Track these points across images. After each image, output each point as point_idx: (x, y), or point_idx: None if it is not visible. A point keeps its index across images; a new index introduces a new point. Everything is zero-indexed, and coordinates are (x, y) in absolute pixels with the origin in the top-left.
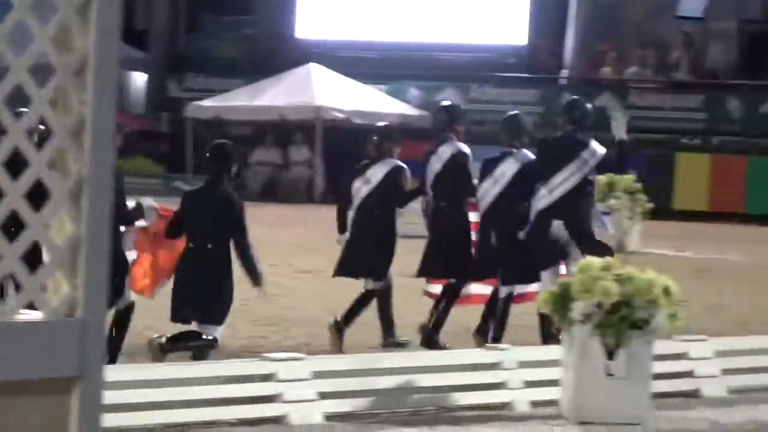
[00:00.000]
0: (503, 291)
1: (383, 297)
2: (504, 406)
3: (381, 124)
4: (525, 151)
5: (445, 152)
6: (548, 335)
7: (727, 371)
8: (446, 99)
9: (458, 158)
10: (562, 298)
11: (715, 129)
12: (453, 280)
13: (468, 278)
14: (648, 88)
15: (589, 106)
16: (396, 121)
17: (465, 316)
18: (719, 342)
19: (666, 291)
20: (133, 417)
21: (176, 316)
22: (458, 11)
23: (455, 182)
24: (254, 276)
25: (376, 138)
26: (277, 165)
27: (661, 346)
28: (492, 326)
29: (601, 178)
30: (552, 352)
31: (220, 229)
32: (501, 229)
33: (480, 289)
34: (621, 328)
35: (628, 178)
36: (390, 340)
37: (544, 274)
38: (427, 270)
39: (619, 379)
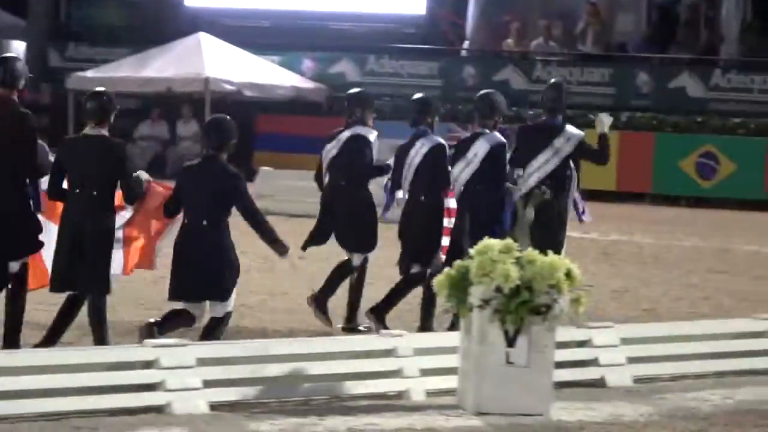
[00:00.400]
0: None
1: (359, 277)
2: (399, 395)
3: (354, 90)
4: (496, 133)
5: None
6: None
7: (633, 359)
8: (342, 70)
9: (437, 151)
10: (460, 282)
11: (623, 104)
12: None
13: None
14: (553, 61)
15: (565, 86)
16: (289, 94)
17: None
18: (625, 329)
19: (569, 275)
20: (5, 406)
21: (176, 294)
22: None
23: (434, 175)
24: (277, 246)
25: (347, 104)
26: (164, 140)
27: (563, 333)
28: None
29: None
30: (450, 338)
31: (221, 205)
32: (474, 212)
33: None
34: (521, 314)
35: None
36: (351, 325)
37: None
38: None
39: (520, 368)
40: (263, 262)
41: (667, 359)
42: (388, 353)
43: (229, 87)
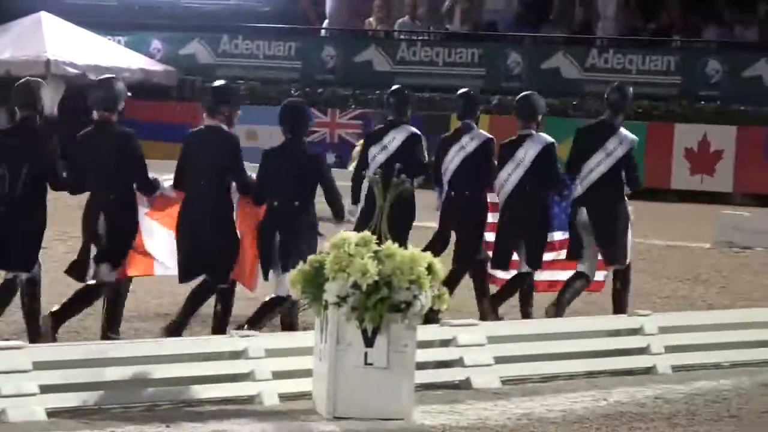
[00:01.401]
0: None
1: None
2: (250, 399)
3: (395, 88)
4: (543, 133)
5: (470, 143)
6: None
7: (500, 359)
8: (192, 52)
9: (487, 147)
10: (315, 278)
11: (493, 87)
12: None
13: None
14: (418, 41)
15: (630, 90)
16: (136, 77)
17: None
18: (491, 327)
19: (430, 269)
20: None
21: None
22: None
23: (478, 170)
24: (339, 209)
25: (392, 100)
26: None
27: (425, 332)
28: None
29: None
30: (304, 339)
31: (308, 186)
32: (527, 213)
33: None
34: (380, 312)
35: None
36: None
37: (582, 261)
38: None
39: (379, 369)
40: None
41: (537, 359)
42: (238, 355)
43: (72, 70)
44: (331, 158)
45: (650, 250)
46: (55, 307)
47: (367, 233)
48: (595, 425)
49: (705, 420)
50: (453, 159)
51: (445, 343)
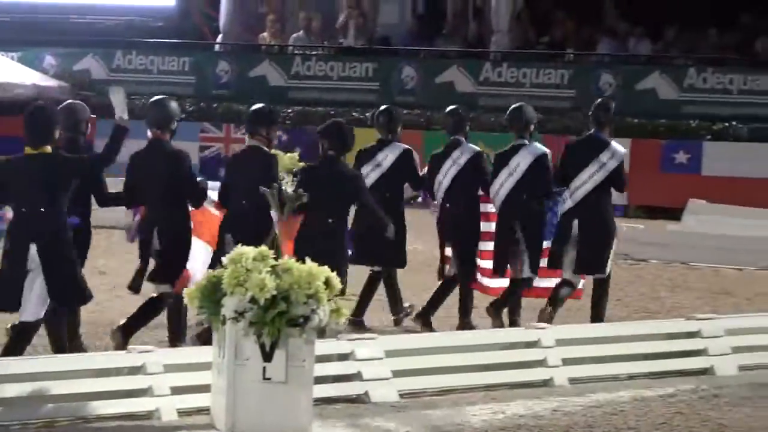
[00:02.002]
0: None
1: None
2: (149, 414)
3: (384, 107)
4: (536, 143)
5: (461, 158)
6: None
7: (398, 373)
8: (86, 67)
9: (477, 159)
10: (213, 293)
11: (387, 101)
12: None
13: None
14: (313, 56)
15: (613, 104)
16: (30, 92)
17: None
18: (389, 341)
19: (328, 284)
20: None
21: None
22: None
23: (471, 183)
24: (383, 224)
25: (382, 120)
26: None
27: (324, 346)
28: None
29: None
30: (203, 353)
31: (344, 203)
32: (521, 222)
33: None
34: (278, 326)
35: (291, 156)
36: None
37: (568, 269)
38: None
39: (277, 384)
40: None
41: (435, 372)
42: (136, 370)
43: None
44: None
45: None
46: (123, 321)
47: (263, 248)
48: None
49: None
50: (446, 174)
51: (343, 357)
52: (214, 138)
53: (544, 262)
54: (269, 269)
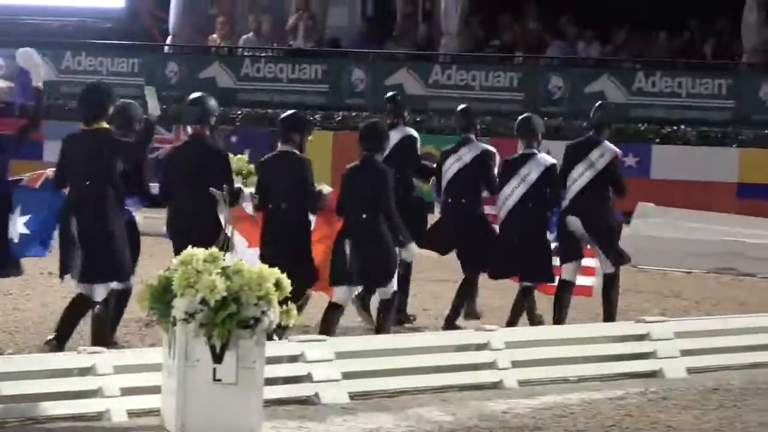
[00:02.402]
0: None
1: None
2: (99, 415)
3: (392, 93)
4: (545, 155)
5: (467, 155)
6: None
7: (348, 374)
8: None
9: (483, 157)
10: (163, 294)
11: (336, 103)
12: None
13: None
14: (263, 57)
15: (612, 106)
16: None
17: None
18: (339, 343)
19: (278, 285)
20: None
21: (347, 280)
22: None
23: (475, 180)
24: (406, 239)
25: (389, 106)
26: None
27: (274, 348)
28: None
29: None
30: (153, 355)
31: (377, 200)
32: (527, 228)
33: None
34: (228, 328)
35: (241, 158)
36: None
37: (567, 266)
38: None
39: (228, 385)
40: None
41: (385, 374)
42: (86, 371)
43: None
44: None
45: None
46: None
47: (214, 250)
48: None
49: None
50: (450, 168)
51: (293, 358)
52: (164, 139)
53: (556, 261)
54: (219, 271)
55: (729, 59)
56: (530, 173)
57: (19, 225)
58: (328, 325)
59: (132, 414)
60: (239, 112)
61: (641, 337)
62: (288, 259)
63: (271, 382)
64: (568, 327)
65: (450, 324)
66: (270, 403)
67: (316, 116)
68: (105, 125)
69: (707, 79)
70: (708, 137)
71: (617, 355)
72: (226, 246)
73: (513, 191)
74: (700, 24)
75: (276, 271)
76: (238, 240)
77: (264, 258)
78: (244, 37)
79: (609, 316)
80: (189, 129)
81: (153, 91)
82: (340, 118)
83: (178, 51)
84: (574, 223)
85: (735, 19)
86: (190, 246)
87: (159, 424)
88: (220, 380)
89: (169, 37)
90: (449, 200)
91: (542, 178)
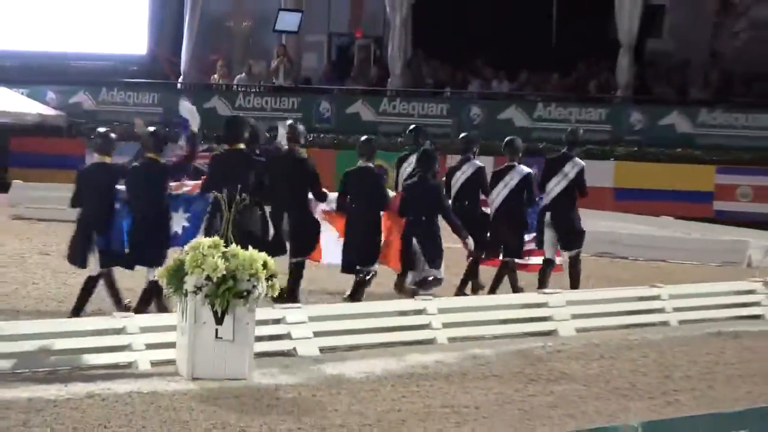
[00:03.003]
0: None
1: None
2: (129, 365)
3: (414, 125)
4: (523, 166)
5: (513, 179)
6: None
7: (318, 333)
8: (79, 101)
9: (479, 171)
10: (177, 273)
11: (309, 127)
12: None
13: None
14: (252, 92)
15: (581, 131)
16: (35, 120)
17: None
18: (312, 309)
19: (265, 265)
20: None
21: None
22: (87, 24)
23: (476, 188)
24: (463, 235)
25: (412, 133)
26: None
27: (262, 313)
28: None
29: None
30: (170, 318)
31: (433, 207)
32: (510, 221)
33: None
34: (227, 298)
35: None
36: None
37: (548, 251)
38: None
39: (227, 342)
40: (17, 257)
41: (347, 333)
42: (119, 331)
43: None
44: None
45: None
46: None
47: (216, 238)
48: (391, 382)
49: (474, 378)
50: (457, 181)
51: (276, 321)
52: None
53: (532, 245)
54: (220, 254)
55: (607, 93)
56: (512, 180)
57: (182, 221)
58: (400, 288)
59: (154, 364)
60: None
61: (541, 305)
62: (362, 246)
63: (259, 339)
64: (486, 297)
65: (460, 292)
66: (259, 355)
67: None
68: (242, 146)
69: (591, 109)
70: (592, 153)
71: (523, 318)
72: (226, 237)
73: (499, 194)
74: (586, 67)
75: (264, 255)
76: (331, 232)
77: (346, 245)
78: (238, 76)
79: (574, 284)
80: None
81: (189, 107)
82: (311, 138)
83: (188, 87)
84: (548, 216)
85: (612, 63)
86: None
87: (174, 371)
88: (221, 338)
89: (181, 77)
90: (456, 203)
91: (521, 183)
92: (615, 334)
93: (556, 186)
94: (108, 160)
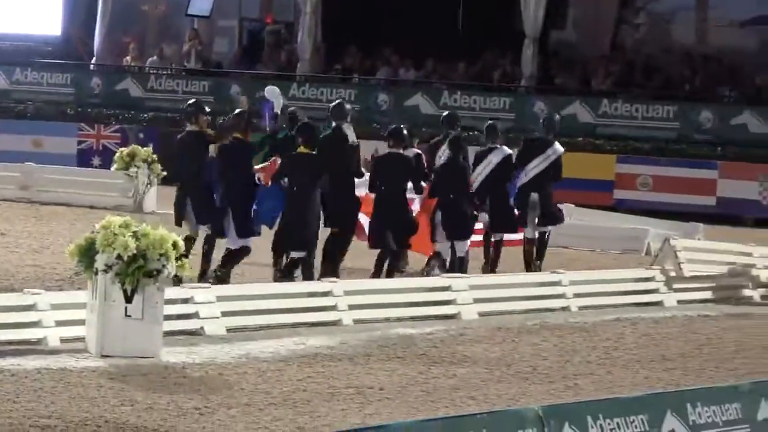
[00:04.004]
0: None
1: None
2: (38, 341)
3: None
4: (505, 147)
5: (495, 158)
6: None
7: (225, 313)
8: None
9: (508, 161)
10: (88, 251)
11: (220, 111)
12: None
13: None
14: (164, 75)
15: (557, 118)
16: None
17: None
18: (220, 289)
19: (175, 245)
20: None
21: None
22: (1, 5)
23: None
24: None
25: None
26: None
27: (171, 292)
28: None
29: (124, 150)
30: (81, 296)
31: (461, 187)
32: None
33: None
34: (137, 277)
35: (147, 150)
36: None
37: (528, 229)
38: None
39: (136, 320)
40: None
41: (254, 313)
42: (29, 308)
43: None
44: (97, 161)
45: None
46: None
47: (128, 217)
48: (297, 363)
49: (378, 360)
50: (483, 170)
51: (185, 300)
52: (88, 135)
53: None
54: (131, 234)
55: (511, 83)
56: (492, 160)
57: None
58: (431, 261)
59: (63, 340)
60: (146, 115)
61: (444, 289)
62: (395, 225)
63: (168, 318)
64: (391, 279)
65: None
66: (167, 333)
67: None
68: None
69: (495, 98)
70: None
71: (427, 302)
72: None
73: (481, 173)
74: (491, 57)
75: (174, 234)
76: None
77: (372, 225)
78: (150, 59)
79: (540, 256)
80: (333, 123)
81: (276, 91)
82: (221, 121)
83: (101, 69)
84: (534, 197)
85: (516, 53)
86: None
87: (84, 348)
88: (130, 316)
89: (94, 58)
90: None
91: (501, 164)
92: (517, 318)
93: (535, 167)
94: (197, 128)
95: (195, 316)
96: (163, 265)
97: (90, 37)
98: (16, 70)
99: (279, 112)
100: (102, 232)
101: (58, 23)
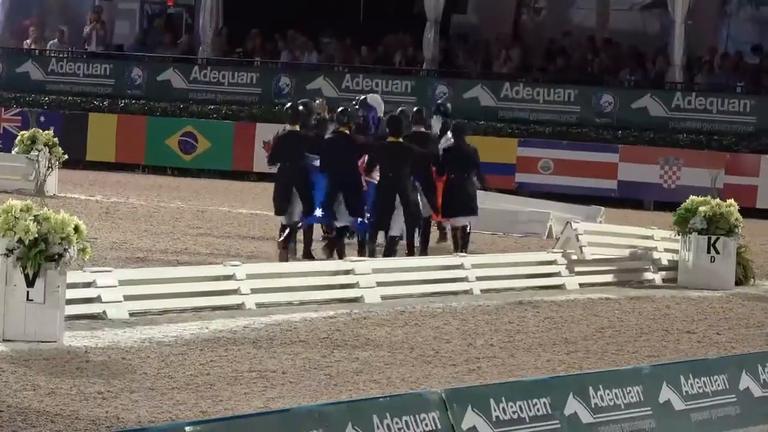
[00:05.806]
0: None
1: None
2: None
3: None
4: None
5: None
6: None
7: (129, 297)
8: None
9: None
10: None
11: (120, 94)
12: None
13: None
14: (64, 58)
15: (449, 105)
16: None
17: None
18: (122, 273)
19: (77, 229)
20: None
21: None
22: None
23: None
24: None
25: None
26: None
27: (73, 276)
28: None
29: (25, 133)
30: None
31: (470, 167)
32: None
33: None
34: (39, 261)
35: (48, 133)
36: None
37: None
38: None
39: (38, 304)
40: None
41: (157, 297)
42: None
43: None
44: None
45: (237, 218)
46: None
47: (29, 201)
48: (200, 347)
49: (281, 343)
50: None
51: (87, 284)
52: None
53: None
54: (32, 218)
55: (413, 66)
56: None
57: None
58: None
59: None
60: (47, 99)
61: (347, 272)
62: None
63: (70, 302)
64: (294, 263)
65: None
66: (70, 318)
67: (105, 103)
68: (401, 139)
69: (397, 81)
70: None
71: (330, 285)
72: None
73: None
74: (393, 40)
75: (75, 218)
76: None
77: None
78: (51, 42)
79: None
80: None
81: (380, 100)
82: (123, 104)
83: (1, 52)
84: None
85: (417, 37)
86: None
87: None
88: (32, 300)
89: None
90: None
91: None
92: (419, 301)
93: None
94: (297, 128)
95: (97, 300)
96: (65, 249)
97: None
98: None
99: (382, 116)
100: (3, 216)
101: None
